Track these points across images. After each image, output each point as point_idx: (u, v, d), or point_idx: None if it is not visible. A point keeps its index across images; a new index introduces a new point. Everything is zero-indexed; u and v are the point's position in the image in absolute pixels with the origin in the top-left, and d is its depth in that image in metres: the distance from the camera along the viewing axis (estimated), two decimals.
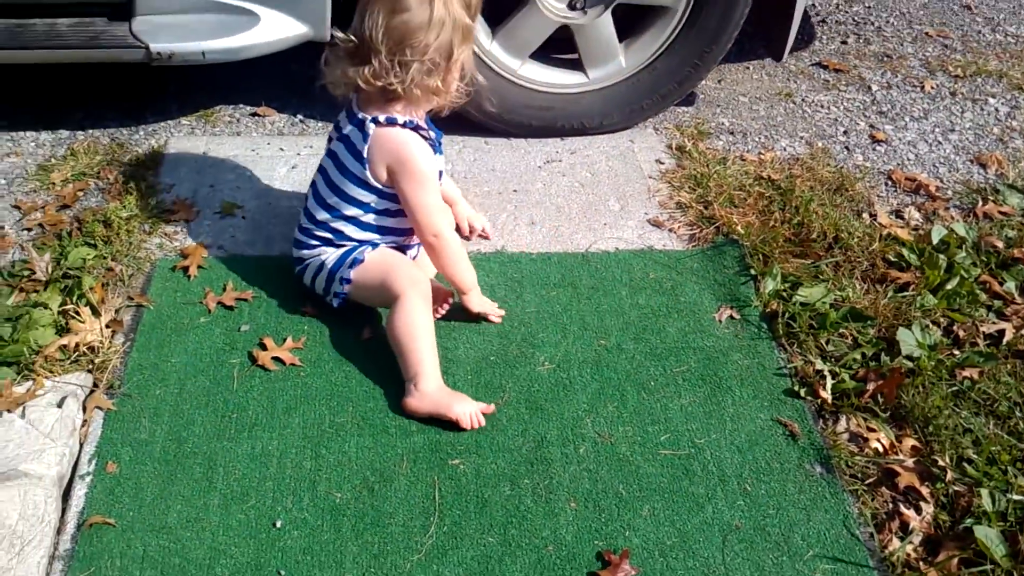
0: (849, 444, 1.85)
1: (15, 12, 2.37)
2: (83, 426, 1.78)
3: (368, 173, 1.93)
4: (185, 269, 2.15)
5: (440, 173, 2.02)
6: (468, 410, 1.83)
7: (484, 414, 1.85)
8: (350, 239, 2.02)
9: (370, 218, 1.99)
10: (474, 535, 1.64)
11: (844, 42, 3.52)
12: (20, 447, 1.70)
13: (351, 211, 1.98)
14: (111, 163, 2.53)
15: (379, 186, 1.94)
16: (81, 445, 1.75)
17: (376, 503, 1.67)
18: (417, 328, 1.88)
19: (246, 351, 1.96)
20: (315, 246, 2.04)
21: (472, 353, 2.00)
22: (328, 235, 2.02)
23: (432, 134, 1.96)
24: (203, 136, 2.71)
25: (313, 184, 2.04)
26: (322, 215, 2.01)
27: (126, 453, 1.73)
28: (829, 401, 1.93)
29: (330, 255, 2.02)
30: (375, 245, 2.02)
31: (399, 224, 2.02)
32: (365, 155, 1.91)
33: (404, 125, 1.89)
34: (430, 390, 1.84)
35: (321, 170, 2.03)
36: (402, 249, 2.08)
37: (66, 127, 2.72)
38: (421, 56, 1.80)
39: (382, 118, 1.89)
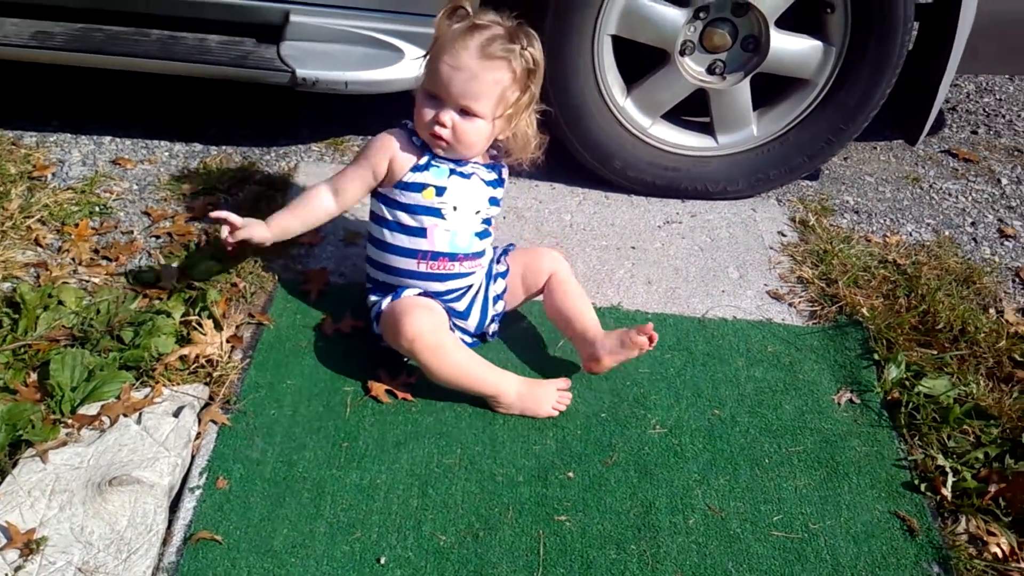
0: (968, 546, 1.76)
1: (169, 24, 2.45)
2: (197, 438, 1.78)
3: None
4: (306, 292, 2.17)
5: (442, 191, 1.94)
6: (551, 403, 1.95)
7: (563, 388, 1.98)
8: (371, 269, 2.05)
9: (378, 235, 2.00)
10: None
11: (975, 132, 3.45)
12: (134, 453, 1.71)
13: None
14: (242, 180, 2.58)
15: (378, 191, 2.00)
16: (193, 457, 1.75)
17: (480, 551, 1.64)
18: (458, 368, 1.89)
19: (360, 380, 1.96)
20: (368, 290, 2.08)
21: (583, 408, 1.97)
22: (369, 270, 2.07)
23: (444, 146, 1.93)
24: (331, 164, 2.75)
25: None
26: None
27: (237, 470, 1.73)
28: (949, 499, 1.85)
29: (373, 303, 2.03)
30: (398, 289, 1.99)
31: (408, 243, 1.96)
32: None
33: (403, 126, 1.98)
34: (512, 401, 1.93)
35: None
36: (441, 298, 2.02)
37: (200, 141, 2.78)
38: None
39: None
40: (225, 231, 1.96)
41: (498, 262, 2.10)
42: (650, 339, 1.92)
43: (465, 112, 1.86)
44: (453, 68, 1.82)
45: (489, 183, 2.01)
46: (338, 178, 2.01)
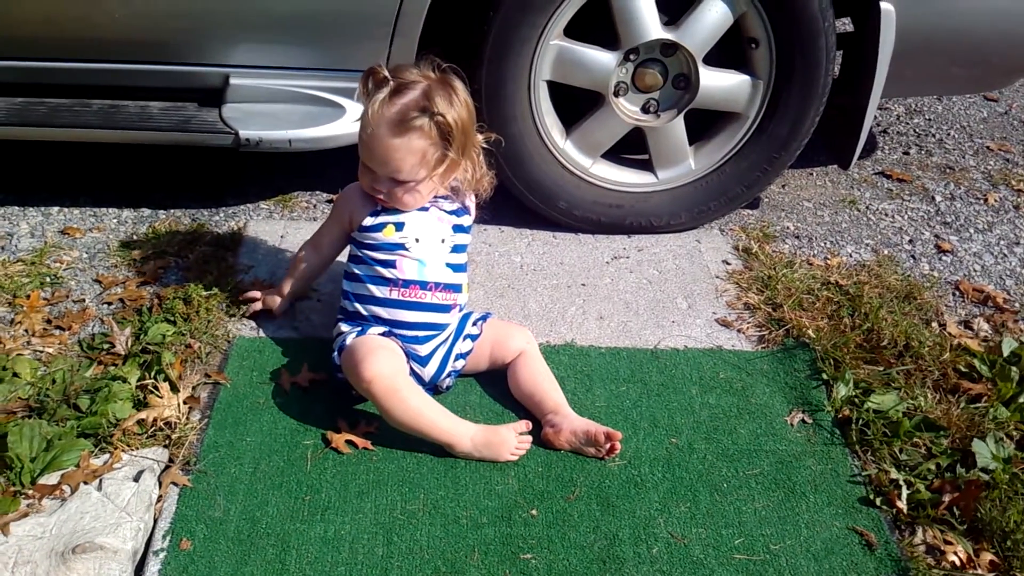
0: (926, 556, 1.80)
1: (110, 94, 2.47)
2: (158, 501, 1.78)
3: None
4: (262, 349, 2.18)
5: (401, 226, 2.04)
6: (510, 449, 1.95)
7: (523, 432, 1.98)
8: (344, 301, 2.10)
9: (351, 270, 2.09)
10: None
11: (906, 153, 3.56)
12: (96, 520, 1.70)
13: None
14: (192, 242, 2.59)
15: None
16: (156, 520, 1.75)
17: None
18: (411, 413, 1.91)
19: (320, 433, 1.97)
20: (338, 319, 2.12)
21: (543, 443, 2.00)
22: (342, 302, 2.12)
23: (389, 204, 2.03)
24: (281, 220, 2.77)
25: None
26: None
27: (200, 531, 1.73)
28: (905, 511, 1.89)
29: (340, 333, 2.07)
30: (365, 324, 2.04)
31: (379, 273, 2.04)
32: None
33: None
34: (468, 449, 1.93)
35: None
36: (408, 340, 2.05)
37: (148, 205, 2.79)
38: None
39: None
40: (254, 306, 2.28)
41: (474, 324, 2.14)
42: (611, 448, 1.96)
43: (394, 180, 1.96)
44: (371, 147, 1.94)
45: (452, 212, 2.10)
46: (314, 235, 2.24)
